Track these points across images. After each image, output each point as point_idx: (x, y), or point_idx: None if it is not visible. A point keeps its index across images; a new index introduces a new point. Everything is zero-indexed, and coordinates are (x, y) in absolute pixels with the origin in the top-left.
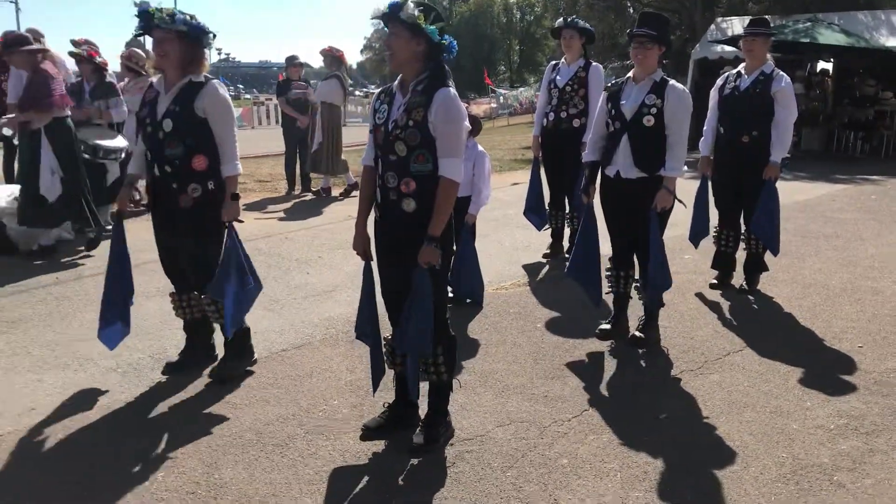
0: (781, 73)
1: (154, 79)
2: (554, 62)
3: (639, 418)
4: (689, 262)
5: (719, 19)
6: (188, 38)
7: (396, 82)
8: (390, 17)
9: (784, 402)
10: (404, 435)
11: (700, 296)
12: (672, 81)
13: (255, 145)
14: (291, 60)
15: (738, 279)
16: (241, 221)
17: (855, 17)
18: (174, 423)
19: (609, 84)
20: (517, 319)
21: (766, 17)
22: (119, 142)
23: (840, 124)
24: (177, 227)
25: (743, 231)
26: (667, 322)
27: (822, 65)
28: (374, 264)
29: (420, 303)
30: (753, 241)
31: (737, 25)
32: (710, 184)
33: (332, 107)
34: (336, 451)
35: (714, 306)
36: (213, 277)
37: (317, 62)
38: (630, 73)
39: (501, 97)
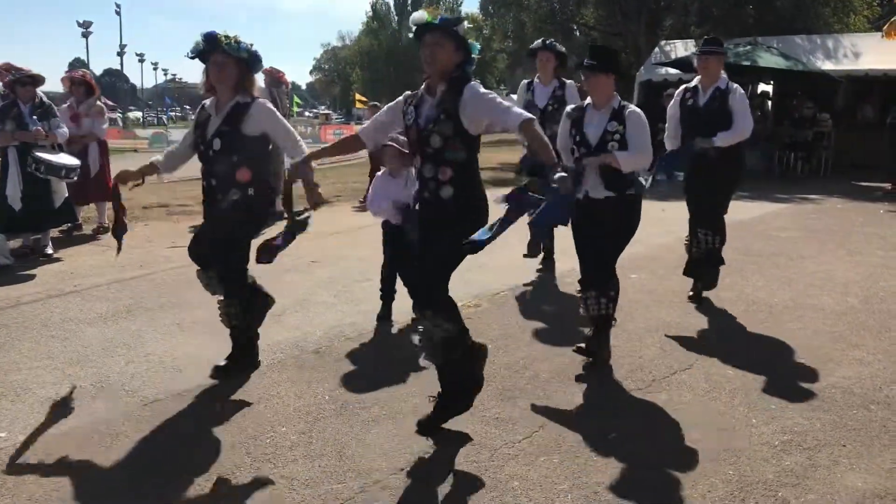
0: (735, 84)
1: (207, 101)
2: (527, 81)
3: (589, 438)
4: (636, 281)
5: (663, 42)
6: (246, 63)
7: (423, 88)
8: (439, 27)
9: (730, 420)
10: (357, 463)
11: (647, 315)
12: (631, 106)
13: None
14: None
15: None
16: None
17: (793, 41)
18: (116, 455)
19: (568, 110)
20: None
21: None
22: (74, 161)
23: (781, 145)
24: (214, 227)
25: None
26: (614, 341)
27: (762, 87)
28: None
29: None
30: (702, 234)
31: (680, 48)
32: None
33: None
34: (284, 478)
35: (661, 325)
36: (234, 281)
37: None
38: (588, 100)
39: None
